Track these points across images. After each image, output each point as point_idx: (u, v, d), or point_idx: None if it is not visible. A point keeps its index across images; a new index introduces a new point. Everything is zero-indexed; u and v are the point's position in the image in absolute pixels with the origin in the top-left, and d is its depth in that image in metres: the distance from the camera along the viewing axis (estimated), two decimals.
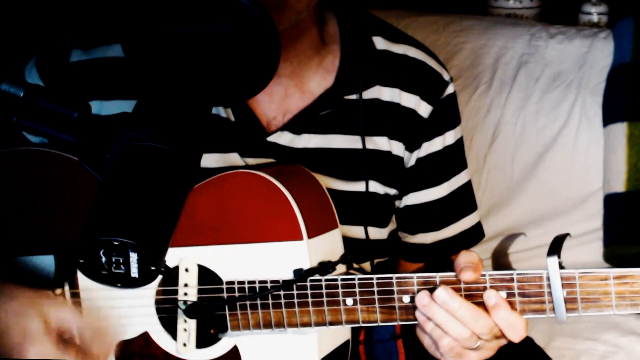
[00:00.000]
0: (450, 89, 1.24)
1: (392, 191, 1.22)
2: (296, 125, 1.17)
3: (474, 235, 1.30)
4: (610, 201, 1.73)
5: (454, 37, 1.89)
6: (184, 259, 1.06)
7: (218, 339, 1.08)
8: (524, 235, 1.71)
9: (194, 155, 0.84)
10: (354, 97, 1.18)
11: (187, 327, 1.06)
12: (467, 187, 1.29)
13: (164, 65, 0.82)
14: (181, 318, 1.07)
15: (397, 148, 1.20)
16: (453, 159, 1.26)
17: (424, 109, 1.21)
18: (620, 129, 1.72)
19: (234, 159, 1.16)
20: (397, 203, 1.25)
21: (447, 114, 1.24)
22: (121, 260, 0.77)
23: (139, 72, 0.83)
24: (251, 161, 1.16)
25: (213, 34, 0.79)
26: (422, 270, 1.27)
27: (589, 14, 2.08)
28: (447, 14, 1.97)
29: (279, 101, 1.17)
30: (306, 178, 1.12)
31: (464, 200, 1.28)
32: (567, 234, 0.99)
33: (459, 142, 1.27)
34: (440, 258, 1.28)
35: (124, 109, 1.12)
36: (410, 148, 1.21)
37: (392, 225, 1.26)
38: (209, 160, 1.14)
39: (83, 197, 0.84)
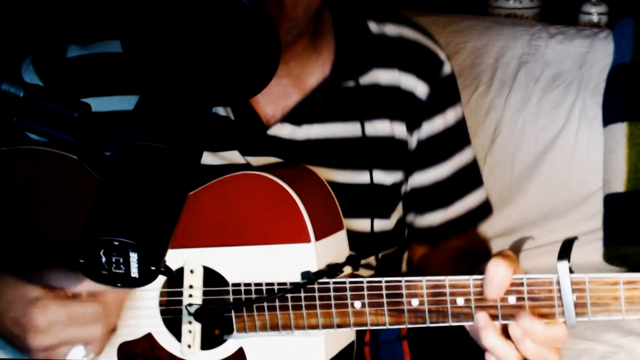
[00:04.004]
0: (447, 68, 1.24)
1: (397, 175, 1.22)
2: (295, 116, 1.17)
3: (482, 211, 1.31)
4: (610, 201, 1.73)
5: (454, 37, 1.89)
6: (189, 260, 1.06)
7: (223, 341, 1.07)
8: (532, 239, 1.71)
9: (194, 155, 0.84)
10: (351, 83, 1.18)
11: (192, 328, 1.06)
12: (472, 164, 1.30)
13: (164, 65, 0.81)
14: (186, 319, 1.06)
15: (399, 130, 1.21)
16: (455, 136, 1.27)
17: (422, 89, 1.21)
18: (620, 129, 1.72)
19: (234, 157, 1.16)
20: (403, 188, 1.25)
21: (446, 92, 1.24)
22: (121, 260, 0.77)
23: (139, 72, 0.83)
24: (252, 159, 1.16)
25: (213, 34, 0.79)
26: (430, 254, 1.29)
27: (589, 14, 2.08)
28: (447, 14, 1.97)
29: (277, 101, 1.17)
30: (312, 179, 1.12)
31: (469, 177, 1.29)
32: (575, 238, 0.98)
33: (461, 120, 1.28)
34: (450, 236, 1.28)
35: (121, 105, 1.12)
36: (411, 129, 1.22)
37: (398, 214, 1.26)
38: (210, 158, 1.14)
39: (83, 197, 0.84)
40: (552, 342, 0.97)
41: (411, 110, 1.21)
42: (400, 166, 1.22)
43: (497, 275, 0.96)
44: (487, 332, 0.97)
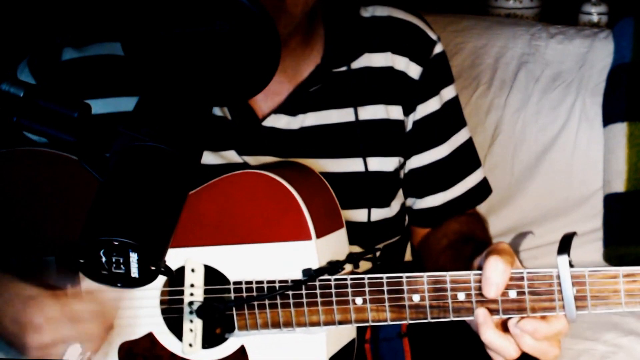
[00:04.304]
0: (438, 48, 1.25)
1: (395, 160, 1.22)
2: (290, 106, 1.18)
3: (481, 191, 1.32)
4: (610, 201, 1.73)
5: (454, 37, 1.89)
6: (190, 259, 1.06)
7: (224, 339, 1.07)
8: (532, 234, 1.71)
9: (194, 155, 0.84)
10: (343, 69, 1.19)
11: (193, 327, 1.06)
12: (469, 144, 1.31)
13: (165, 65, 0.82)
14: (187, 318, 1.06)
15: (395, 112, 1.21)
16: (450, 118, 1.28)
17: (414, 71, 1.22)
18: (620, 129, 1.72)
19: (231, 156, 1.16)
20: (401, 174, 1.25)
21: (438, 73, 1.25)
22: (121, 260, 0.77)
23: (139, 72, 0.83)
24: (249, 158, 1.16)
25: (213, 34, 0.79)
26: (430, 238, 1.30)
27: (589, 14, 2.08)
28: (447, 14, 1.97)
29: (272, 97, 1.18)
30: (312, 178, 1.12)
31: (467, 158, 1.30)
32: (575, 233, 0.99)
33: (455, 100, 1.28)
34: (451, 216, 1.29)
35: (117, 107, 1.13)
36: (406, 111, 1.22)
37: (399, 202, 1.26)
38: (207, 158, 1.15)
39: (83, 197, 0.84)
40: (553, 337, 0.97)
41: (405, 92, 1.22)
42: (397, 151, 1.23)
43: (495, 274, 0.96)
44: (486, 328, 0.98)
